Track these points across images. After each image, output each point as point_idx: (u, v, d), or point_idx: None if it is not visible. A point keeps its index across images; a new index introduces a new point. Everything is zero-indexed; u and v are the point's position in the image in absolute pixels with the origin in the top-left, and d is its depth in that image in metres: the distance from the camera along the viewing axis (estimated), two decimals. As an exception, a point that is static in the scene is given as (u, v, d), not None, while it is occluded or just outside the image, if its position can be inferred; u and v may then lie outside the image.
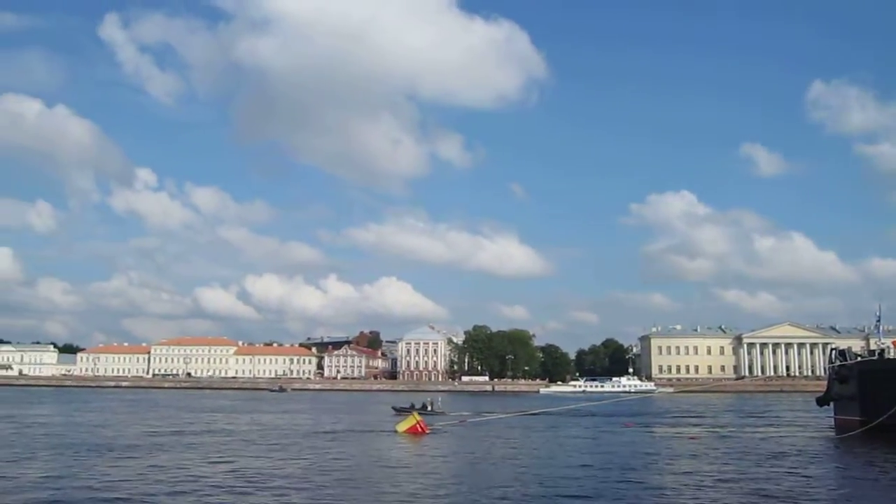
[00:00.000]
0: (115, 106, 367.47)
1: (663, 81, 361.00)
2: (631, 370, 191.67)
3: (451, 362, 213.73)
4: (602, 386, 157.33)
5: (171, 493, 21.23)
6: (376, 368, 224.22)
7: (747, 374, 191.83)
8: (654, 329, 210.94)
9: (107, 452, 32.09)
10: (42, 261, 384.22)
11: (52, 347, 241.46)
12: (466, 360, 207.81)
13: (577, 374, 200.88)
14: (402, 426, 42.78)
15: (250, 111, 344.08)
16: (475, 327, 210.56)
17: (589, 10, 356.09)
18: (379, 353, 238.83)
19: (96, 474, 25.01)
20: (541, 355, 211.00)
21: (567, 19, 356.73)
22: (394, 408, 66.08)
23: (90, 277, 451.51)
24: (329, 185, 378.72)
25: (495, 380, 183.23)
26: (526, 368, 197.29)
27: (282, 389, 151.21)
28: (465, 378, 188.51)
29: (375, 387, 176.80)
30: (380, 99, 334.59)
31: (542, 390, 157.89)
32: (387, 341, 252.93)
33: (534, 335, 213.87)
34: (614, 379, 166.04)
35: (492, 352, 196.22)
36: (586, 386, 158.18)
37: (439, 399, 67.39)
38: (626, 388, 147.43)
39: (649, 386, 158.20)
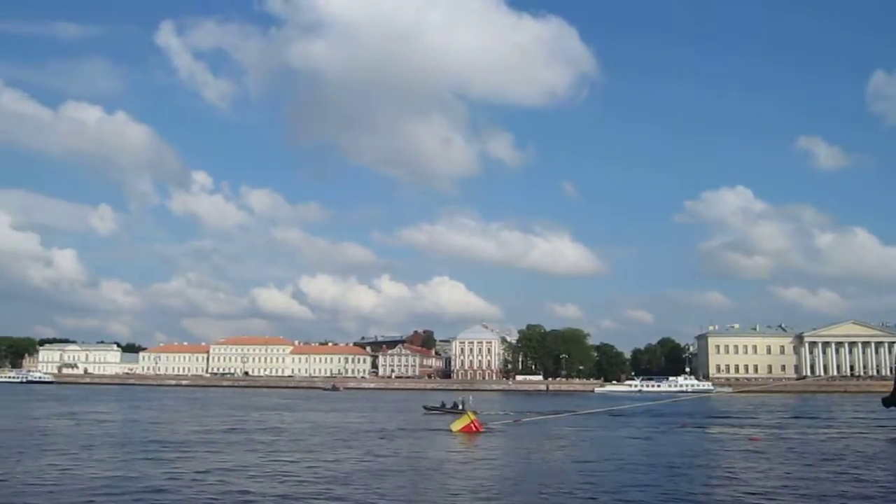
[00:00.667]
0: (172, 111, 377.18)
1: (716, 74, 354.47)
2: (688, 370, 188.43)
3: (506, 361, 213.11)
4: (658, 385, 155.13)
5: (215, 492, 21.46)
6: (430, 368, 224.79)
7: (809, 374, 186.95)
8: (711, 328, 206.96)
9: (157, 449, 32.70)
10: (104, 262, 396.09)
11: (115, 347, 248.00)
12: (520, 359, 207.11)
13: (633, 373, 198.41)
14: (457, 425, 42.66)
15: (302, 113, 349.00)
16: (529, 326, 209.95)
17: (637, 4, 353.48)
18: (433, 353, 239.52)
19: (143, 470, 25.49)
20: (595, 354, 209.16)
21: (615, 14, 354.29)
22: (425, 407, 66.09)
23: (150, 278, 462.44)
24: (381, 185, 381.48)
25: (549, 379, 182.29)
26: (580, 368, 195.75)
27: (335, 388, 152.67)
28: (519, 377, 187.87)
29: (429, 386, 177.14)
30: (430, 98, 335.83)
31: (597, 390, 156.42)
32: (440, 340, 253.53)
33: (588, 334, 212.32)
34: (671, 378, 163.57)
35: (546, 351, 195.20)
36: (642, 385, 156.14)
37: (470, 398, 66.73)
38: (683, 388, 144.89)
39: (707, 386, 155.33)
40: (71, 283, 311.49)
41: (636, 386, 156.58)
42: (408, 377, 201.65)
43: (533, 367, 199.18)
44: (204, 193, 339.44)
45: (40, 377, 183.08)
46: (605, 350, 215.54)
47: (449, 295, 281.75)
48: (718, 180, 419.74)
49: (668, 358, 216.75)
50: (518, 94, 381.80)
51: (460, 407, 60.85)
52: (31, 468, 25.51)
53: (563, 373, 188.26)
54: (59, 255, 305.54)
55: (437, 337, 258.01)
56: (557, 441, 39.90)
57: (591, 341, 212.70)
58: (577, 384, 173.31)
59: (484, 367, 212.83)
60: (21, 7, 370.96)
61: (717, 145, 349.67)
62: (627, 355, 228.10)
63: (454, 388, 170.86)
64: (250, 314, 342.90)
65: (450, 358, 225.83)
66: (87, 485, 22.03)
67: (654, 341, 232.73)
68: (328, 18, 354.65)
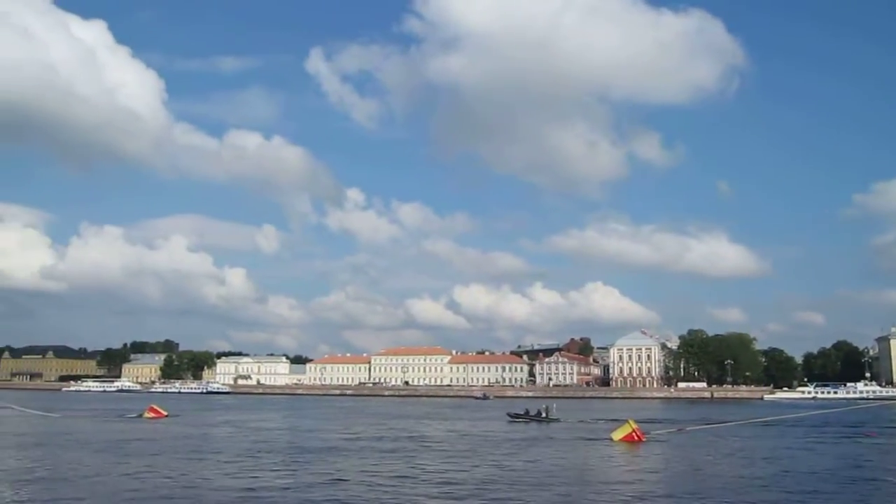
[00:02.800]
0: (324, 132, 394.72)
1: (875, 60, 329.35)
2: (868, 375, 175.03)
3: (667, 368, 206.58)
4: (835, 392, 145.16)
5: (349, 497, 21.89)
6: (588, 375, 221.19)
7: None
8: (893, 329, 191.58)
9: (304, 454, 34.07)
10: (270, 279, 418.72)
11: (284, 359, 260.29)
12: (682, 365, 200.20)
13: (805, 379, 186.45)
14: (618, 434, 41.66)
15: (446, 127, 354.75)
16: (690, 331, 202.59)
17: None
18: (590, 360, 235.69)
19: (283, 474, 26.54)
20: (763, 360, 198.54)
21: (762, 1, 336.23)
22: (508, 414, 65.46)
23: (312, 293, 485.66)
24: (527, 193, 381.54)
25: (714, 386, 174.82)
26: (747, 374, 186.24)
27: (485, 397, 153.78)
28: (681, 384, 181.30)
29: (588, 394, 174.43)
30: (571, 103, 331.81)
31: (767, 397, 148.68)
32: (598, 348, 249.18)
33: (754, 339, 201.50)
34: (849, 385, 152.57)
35: (709, 357, 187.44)
36: (817, 392, 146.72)
37: (554, 406, 66.57)
38: (864, 395, 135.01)
39: (892, 392, 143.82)
40: (242, 300, 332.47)
41: (810, 393, 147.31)
42: (566, 385, 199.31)
43: (696, 373, 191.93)
44: (357, 210, 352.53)
45: (218, 388, 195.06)
46: (774, 355, 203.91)
47: (603, 301, 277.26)
48: (889, 171, 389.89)
49: (844, 363, 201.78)
50: (663, 92, 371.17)
51: (543, 414, 61.50)
52: (191, 469, 27.12)
53: (729, 380, 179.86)
54: (230, 274, 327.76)
55: (595, 344, 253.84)
56: (727, 452, 38.09)
57: (758, 346, 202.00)
58: (744, 391, 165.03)
59: (644, 375, 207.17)
60: (187, 45, 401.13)
61: (884, 134, 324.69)
62: (798, 360, 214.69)
63: (613, 395, 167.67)
64: (406, 325, 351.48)
65: (608, 365, 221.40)
66: (218, 492, 23.13)
67: (827, 345, 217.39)
68: (464, 33, 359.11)
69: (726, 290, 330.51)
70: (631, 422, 43.23)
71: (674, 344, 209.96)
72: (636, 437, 40.84)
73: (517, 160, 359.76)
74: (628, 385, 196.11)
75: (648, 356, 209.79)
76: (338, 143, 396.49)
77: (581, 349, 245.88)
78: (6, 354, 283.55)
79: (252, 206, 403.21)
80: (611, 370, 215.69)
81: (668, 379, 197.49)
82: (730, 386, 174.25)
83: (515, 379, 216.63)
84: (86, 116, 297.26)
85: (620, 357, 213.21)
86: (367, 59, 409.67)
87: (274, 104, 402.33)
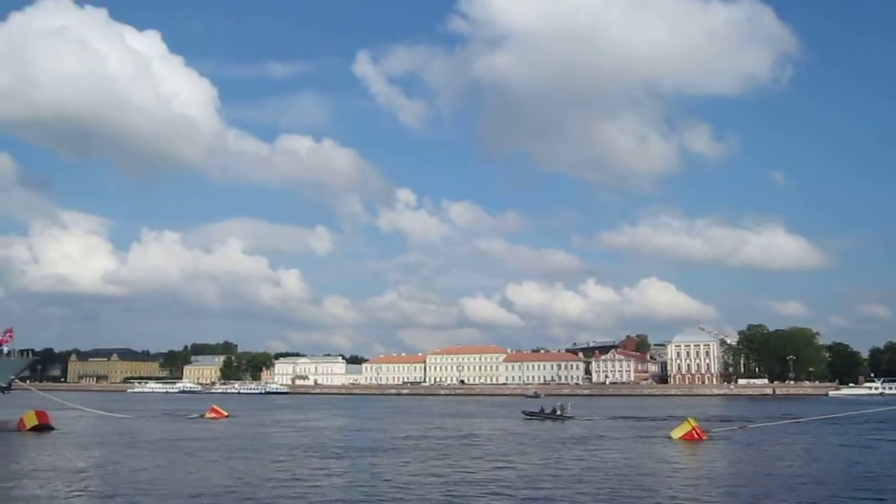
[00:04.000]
0: (373, 134, 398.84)
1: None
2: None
3: (726, 365, 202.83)
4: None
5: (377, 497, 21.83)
6: (645, 373, 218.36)
7: None
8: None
9: (359, 453, 34.26)
10: (324, 280, 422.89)
11: (340, 359, 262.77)
12: (742, 362, 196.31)
13: (872, 374, 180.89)
14: (677, 432, 40.93)
15: (493, 125, 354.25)
16: (750, 327, 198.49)
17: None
18: (647, 357, 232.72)
19: (338, 473, 26.68)
20: (827, 355, 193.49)
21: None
22: (524, 412, 65.32)
23: (366, 293, 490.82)
24: (577, 189, 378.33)
25: (776, 382, 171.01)
26: (810, 370, 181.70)
27: (536, 395, 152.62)
28: (741, 381, 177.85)
29: (646, 392, 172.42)
30: (619, 97, 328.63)
31: (832, 393, 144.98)
32: (655, 344, 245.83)
33: (817, 333, 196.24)
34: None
35: (770, 352, 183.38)
36: (884, 388, 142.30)
37: (569, 404, 66.07)
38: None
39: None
40: (297, 301, 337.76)
41: (877, 389, 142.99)
42: (622, 383, 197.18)
43: (756, 370, 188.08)
44: (408, 210, 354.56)
45: (276, 388, 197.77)
46: (839, 350, 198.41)
47: (658, 297, 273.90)
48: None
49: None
50: (713, 82, 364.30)
51: (558, 412, 61.40)
52: (249, 467, 27.47)
53: (791, 376, 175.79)
54: (285, 276, 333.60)
55: (651, 341, 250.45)
56: (791, 450, 37.17)
57: (821, 341, 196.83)
58: (807, 387, 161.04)
59: (703, 371, 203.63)
60: (238, 52, 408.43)
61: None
62: (865, 355, 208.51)
63: (672, 393, 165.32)
64: (460, 324, 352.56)
65: (666, 362, 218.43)
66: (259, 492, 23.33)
67: (895, 339, 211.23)
68: (509, 31, 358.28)
69: (786, 283, 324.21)
70: (690, 420, 42.41)
71: (733, 340, 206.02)
72: (696, 436, 40.06)
73: (566, 157, 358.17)
74: (687, 382, 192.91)
75: (707, 353, 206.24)
76: (387, 145, 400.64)
77: (637, 346, 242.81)
78: (74, 357, 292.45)
79: (305, 209, 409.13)
80: (668, 367, 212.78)
81: (728, 376, 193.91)
82: (792, 382, 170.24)
83: (571, 377, 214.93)
84: (143, 125, 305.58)
85: (678, 354, 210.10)
86: (413, 60, 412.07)
87: (323, 108, 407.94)
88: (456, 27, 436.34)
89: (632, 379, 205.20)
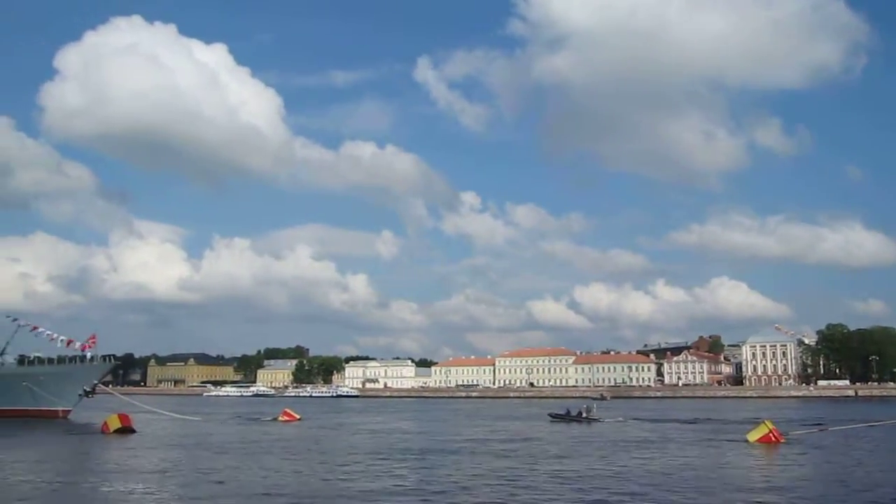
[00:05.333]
0: (435, 138, 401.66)
1: None
2: None
3: (804, 366, 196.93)
4: None
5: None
6: (719, 374, 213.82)
7: None
8: None
9: (429, 455, 34.29)
10: (391, 284, 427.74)
11: (409, 362, 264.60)
12: (821, 362, 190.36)
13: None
14: (754, 435, 39.77)
15: (555, 126, 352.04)
16: (829, 326, 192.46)
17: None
18: (721, 358, 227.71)
19: (408, 474, 26.73)
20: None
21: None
22: (550, 415, 64.64)
23: (432, 297, 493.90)
24: (643, 188, 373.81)
25: (857, 384, 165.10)
26: (895, 370, 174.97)
27: (602, 397, 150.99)
28: (821, 382, 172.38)
29: (720, 393, 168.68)
30: (682, 93, 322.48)
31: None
32: (729, 345, 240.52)
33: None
34: None
35: (851, 353, 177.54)
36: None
37: (594, 405, 65.77)
38: None
39: None
40: (365, 305, 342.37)
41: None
42: (696, 385, 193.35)
43: (837, 370, 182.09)
44: (473, 213, 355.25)
45: (347, 392, 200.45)
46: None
47: (730, 296, 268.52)
48: None
49: None
50: (781, 75, 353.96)
51: (584, 415, 60.80)
52: (322, 470, 27.82)
53: (874, 376, 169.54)
54: (352, 281, 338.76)
55: (725, 341, 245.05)
56: (875, 453, 35.81)
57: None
58: (892, 389, 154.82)
59: (780, 373, 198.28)
60: (302, 62, 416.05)
61: None
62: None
63: (747, 395, 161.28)
64: (528, 326, 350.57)
65: (740, 363, 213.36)
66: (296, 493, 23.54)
67: None
68: (569, 31, 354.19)
69: (865, 280, 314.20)
70: (767, 422, 41.17)
71: (811, 340, 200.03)
72: (773, 438, 38.89)
73: (630, 156, 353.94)
74: (763, 384, 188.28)
75: (784, 353, 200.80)
76: (449, 149, 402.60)
77: (710, 347, 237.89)
78: (153, 362, 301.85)
79: (370, 214, 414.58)
80: (743, 368, 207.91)
81: (807, 377, 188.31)
82: (875, 383, 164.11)
83: (642, 379, 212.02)
84: (212, 136, 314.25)
85: (753, 354, 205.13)
86: (473, 64, 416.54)
87: (386, 114, 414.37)
88: (514, 30, 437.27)
89: (705, 381, 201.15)
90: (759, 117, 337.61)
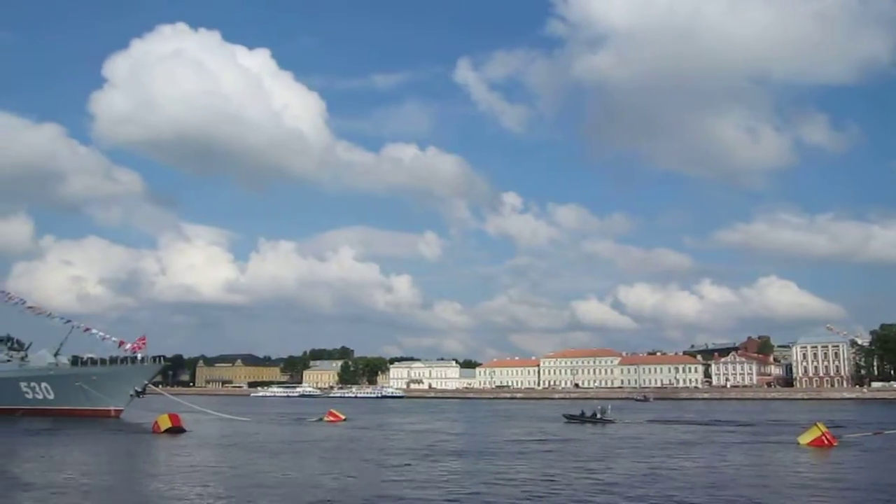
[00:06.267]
0: (476, 139, 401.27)
1: None
2: None
3: (857, 367, 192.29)
4: None
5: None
6: (769, 375, 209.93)
7: None
8: None
9: (460, 455, 34.29)
10: (435, 285, 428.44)
11: (454, 363, 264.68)
12: (875, 363, 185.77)
13: None
14: (805, 438, 38.93)
15: (596, 126, 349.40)
16: (883, 326, 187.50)
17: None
18: (770, 359, 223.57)
19: (433, 474, 26.67)
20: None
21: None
22: (564, 416, 64.83)
23: (476, 298, 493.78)
24: (686, 187, 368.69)
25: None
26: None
27: (645, 399, 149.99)
28: (875, 384, 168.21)
29: (770, 395, 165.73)
30: (724, 90, 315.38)
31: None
32: (778, 346, 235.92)
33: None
34: None
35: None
36: None
37: (609, 407, 65.18)
38: None
39: None
40: (409, 306, 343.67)
41: None
42: (745, 386, 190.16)
43: (892, 372, 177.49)
44: (515, 213, 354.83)
45: (392, 392, 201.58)
46: None
47: (778, 296, 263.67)
48: None
49: None
50: (827, 70, 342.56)
51: (598, 416, 60.87)
52: (365, 470, 27.92)
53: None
54: (396, 282, 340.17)
55: (775, 342, 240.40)
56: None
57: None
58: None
59: (832, 374, 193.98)
60: (344, 66, 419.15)
61: None
62: None
63: (798, 396, 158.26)
64: (572, 327, 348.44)
65: (790, 364, 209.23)
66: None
67: None
68: (608, 30, 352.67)
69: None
70: (819, 424, 40.27)
71: (864, 340, 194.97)
72: (826, 441, 38.02)
73: (673, 154, 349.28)
74: (814, 385, 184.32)
75: (836, 354, 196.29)
76: (490, 149, 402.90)
77: (760, 348, 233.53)
78: (201, 363, 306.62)
79: (412, 215, 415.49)
80: (794, 370, 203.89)
81: (860, 378, 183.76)
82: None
83: (690, 380, 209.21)
84: (256, 140, 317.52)
85: (804, 355, 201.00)
86: (513, 65, 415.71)
87: (426, 116, 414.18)
88: (554, 30, 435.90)
89: (754, 382, 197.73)
90: (806, 113, 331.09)
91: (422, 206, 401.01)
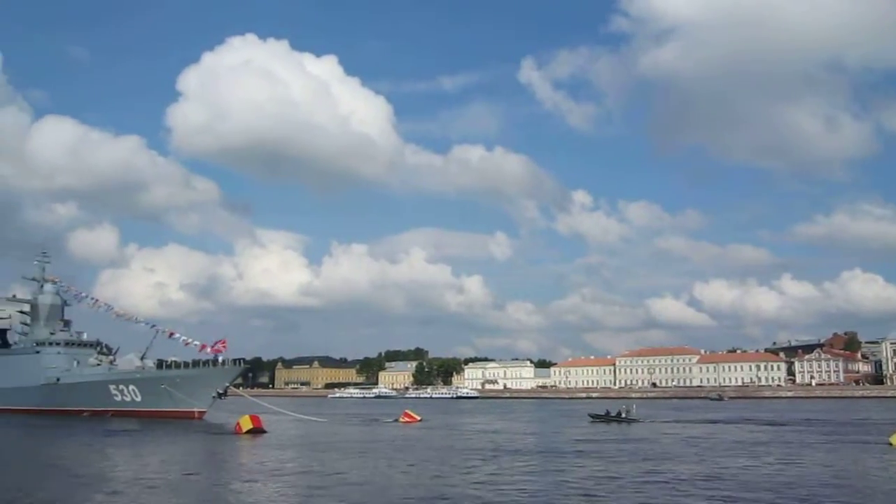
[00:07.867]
0: (543, 139, 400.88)
1: None
2: None
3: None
4: None
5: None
6: (856, 373, 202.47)
7: None
8: None
9: (537, 455, 33.78)
10: (506, 285, 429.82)
11: (528, 363, 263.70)
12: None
13: None
14: (896, 438, 37.43)
15: (665, 121, 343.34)
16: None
17: None
18: (858, 356, 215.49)
19: (508, 474, 26.44)
20: None
21: None
22: (590, 415, 64.14)
23: (548, 297, 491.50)
24: (760, 180, 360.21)
25: None
26: None
27: (719, 398, 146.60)
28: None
29: (858, 393, 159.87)
30: (798, 78, 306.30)
31: None
32: (867, 342, 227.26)
33: None
34: None
35: None
36: None
37: (633, 406, 64.28)
38: None
39: None
40: (481, 306, 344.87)
41: None
42: (831, 384, 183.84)
43: None
44: (585, 212, 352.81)
45: (466, 392, 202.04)
46: None
47: (863, 290, 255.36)
48: None
49: None
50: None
51: (623, 415, 60.42)
52: (443, 471, 28.00)
53: None
54: (468, 282, 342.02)
55: (862, 338, 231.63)
56: None
57: None
58: None
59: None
60: (411, 69, 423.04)
61: None
62: None
63: (888, 395, 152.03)
64: (647, 325, 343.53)
65: (880, 361, 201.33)
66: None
67: None
68: (674, 23, 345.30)
69: None
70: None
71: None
72: (921, 441, 36.44)
73: (746, 147, 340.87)
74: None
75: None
76: (558, 148, 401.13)
77: (846, 344, 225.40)
78: (280, 365, 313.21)
79: (482, 216, 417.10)
80: (884, 367, 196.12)
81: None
82: None
83: (772, 378, 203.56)
84: (326, 145, 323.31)
85: (895, 352, 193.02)
86: (577, 62, 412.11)
87: (493, 116, 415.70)
88: (618, 26, 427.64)
89: (841, 380, 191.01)
90: (887, 99, 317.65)
91: (491, 207, 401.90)
